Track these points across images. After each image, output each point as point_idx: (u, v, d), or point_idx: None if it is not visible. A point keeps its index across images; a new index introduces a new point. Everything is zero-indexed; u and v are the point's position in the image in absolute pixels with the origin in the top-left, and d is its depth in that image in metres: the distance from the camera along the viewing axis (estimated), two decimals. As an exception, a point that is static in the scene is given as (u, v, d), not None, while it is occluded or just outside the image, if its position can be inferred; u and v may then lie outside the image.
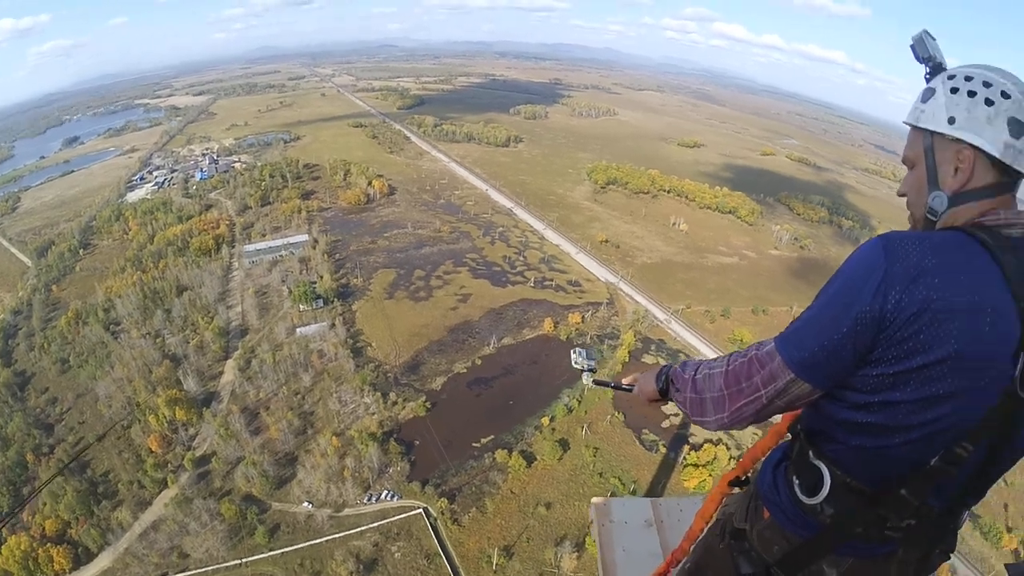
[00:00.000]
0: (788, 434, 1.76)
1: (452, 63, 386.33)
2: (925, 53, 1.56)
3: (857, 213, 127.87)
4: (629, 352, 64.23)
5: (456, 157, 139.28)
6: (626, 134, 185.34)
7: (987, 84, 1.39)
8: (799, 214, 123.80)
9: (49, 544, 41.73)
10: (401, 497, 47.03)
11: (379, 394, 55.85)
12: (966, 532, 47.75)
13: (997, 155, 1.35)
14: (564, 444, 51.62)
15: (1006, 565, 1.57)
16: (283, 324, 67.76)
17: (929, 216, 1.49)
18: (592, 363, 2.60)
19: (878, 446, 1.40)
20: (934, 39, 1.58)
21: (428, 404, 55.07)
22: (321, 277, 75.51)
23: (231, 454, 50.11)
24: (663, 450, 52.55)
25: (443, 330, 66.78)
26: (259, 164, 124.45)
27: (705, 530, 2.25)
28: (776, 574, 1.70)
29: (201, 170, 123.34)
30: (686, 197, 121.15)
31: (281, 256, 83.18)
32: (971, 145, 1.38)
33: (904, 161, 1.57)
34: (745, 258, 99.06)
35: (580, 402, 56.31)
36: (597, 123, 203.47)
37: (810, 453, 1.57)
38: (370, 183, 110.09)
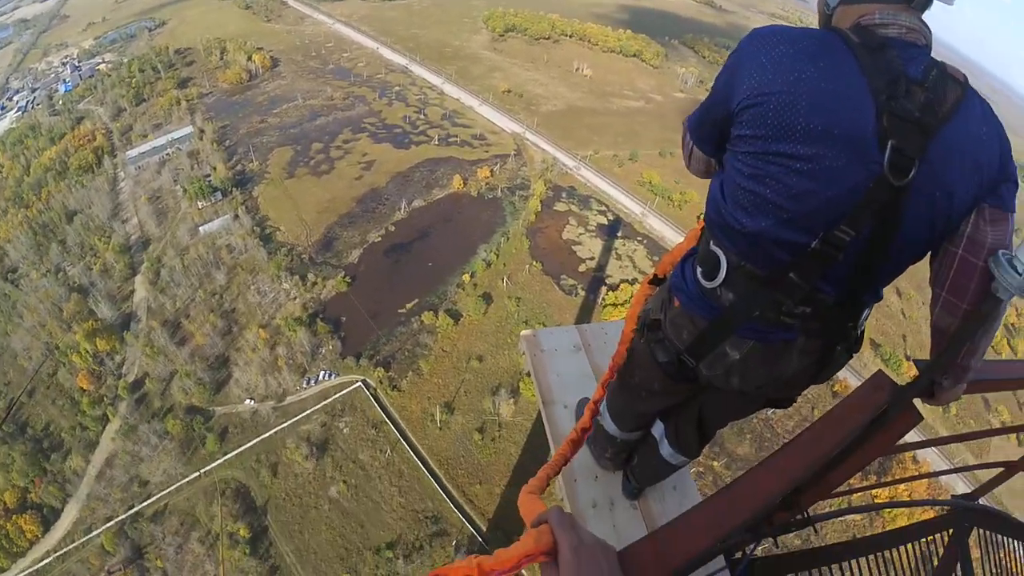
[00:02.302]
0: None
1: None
2: None
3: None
4: (541, 201, 64.53)
5: (341, 17, 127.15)
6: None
7: None
8: (704, 56, 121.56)
9: (14, 516, 40.27)
10: (339, 375, 47.51)
11: (297, 277, 54.41)
12: (869, 359, 52.81)
13: None
14: (487, 298, 52.66)
15: (914, 361, 1.63)
16: (184, 226, 63.33)
17: (825, 11, 1.56)
18: None
19: (761, 227, 1.45)
20: None
21: (348, 279, 54.26)
22: (214, 168, 70.06)
23: (163, 371, 48.45)
24: (582, 293, 54.41)
25: (351, 201, 64.45)
26: (126, 61, 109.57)
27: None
28: (686, 359, 1.79)
29: (64, 82, 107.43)
30: (588, 41, 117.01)
31: (168, 155, 75.85)
32: None
33: None
34: (651, 101, 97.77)
35: (498, 255, 56.98)
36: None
37: (710, 242, 1.64)
38: (250, 58, 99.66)
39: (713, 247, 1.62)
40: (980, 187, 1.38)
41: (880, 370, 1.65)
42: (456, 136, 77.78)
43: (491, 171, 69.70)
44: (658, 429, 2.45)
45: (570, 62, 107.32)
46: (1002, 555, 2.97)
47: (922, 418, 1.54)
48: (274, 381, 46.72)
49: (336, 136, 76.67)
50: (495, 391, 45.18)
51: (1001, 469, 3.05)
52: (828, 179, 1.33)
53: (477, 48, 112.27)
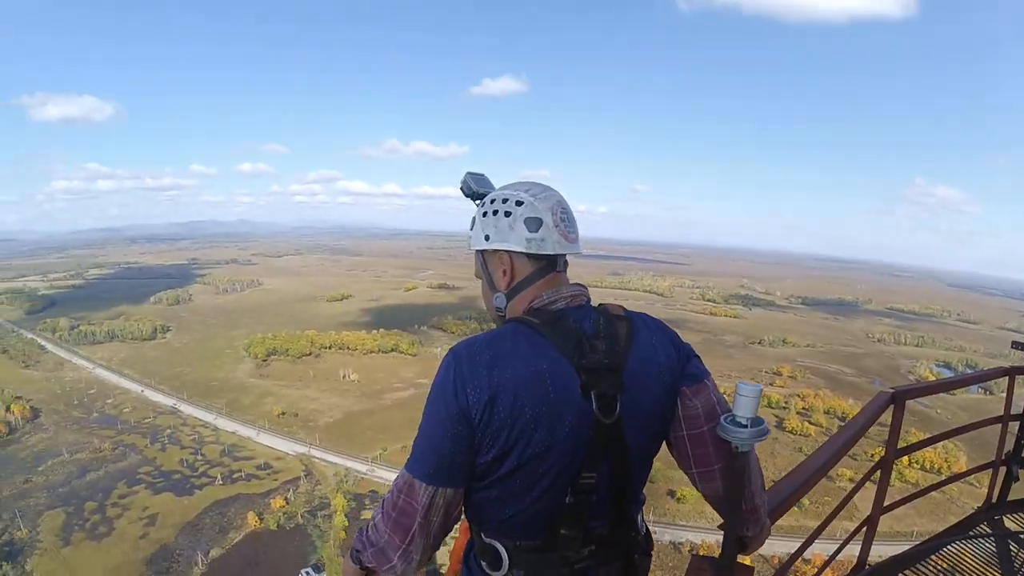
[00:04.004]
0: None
1: (81, 254, 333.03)
2: (468, 191, 1.82)
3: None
4: (346, 515, 64.39)
5: (101, 361, 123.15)
6: (275, 301, 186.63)
7: (505, 200, 1.67)
8: (453, 332, 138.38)
9: None
10: None
11: None
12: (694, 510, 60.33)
13: (523, 250, 1.64)
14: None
15: (718, 525, 1.72)
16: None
17: (498, 313, 1.76)
18: None
19: (522, 508, 1.54)
20: (480, 175, 1.86)
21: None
22: (-23, 546, 58.36)
23: None
24: (420, 595, 53.81)
25: (140, 565, 57.76)
26: None
27: None
28: None
29: None
30: (348, 348, 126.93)
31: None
32: (507, 250, 1.67)
33: (476, 276, 1.87)
34: (420, 386, 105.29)
35: (324, 594, 53.95)
36: (243, 296, 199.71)
37: (482, 535, 1.66)
38: (8, 408, 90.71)
39: (487, 540, 1.64)
40: (673, 381, 1.61)
41: (693, 554, 1.90)
42: (240, 471, 76.35)
43: (285, 499, 68.56)
44: None
45: (336, 371, 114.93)
46: None
47: (753, 567, 1.80)
48: None
49: (110, 492, 70.67)
50: None
51: (864, 528, 3.40)
52: (561, 448, 1.45)
53: (244, 377, 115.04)
